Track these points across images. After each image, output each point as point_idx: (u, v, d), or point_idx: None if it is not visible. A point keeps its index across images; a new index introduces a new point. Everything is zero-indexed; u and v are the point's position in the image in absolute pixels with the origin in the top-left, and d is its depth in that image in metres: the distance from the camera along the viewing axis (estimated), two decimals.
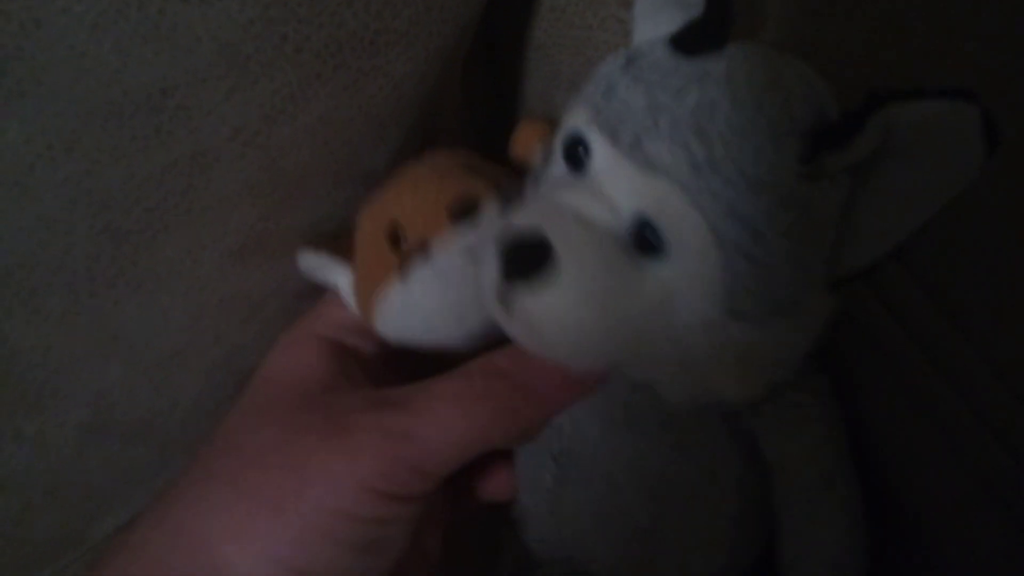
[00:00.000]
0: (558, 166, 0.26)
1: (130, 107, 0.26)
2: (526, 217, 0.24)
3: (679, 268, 0.23)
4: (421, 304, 0.27)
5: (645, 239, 0.23)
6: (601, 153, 0.24)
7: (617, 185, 0.23)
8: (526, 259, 0.23)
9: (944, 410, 0.28)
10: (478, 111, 0.47)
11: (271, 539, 0.25)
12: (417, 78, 0.31)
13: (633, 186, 0.23)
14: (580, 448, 0.30)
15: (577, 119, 0.25)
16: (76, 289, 0.29)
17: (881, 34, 0.28)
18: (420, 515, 0.27)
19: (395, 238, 0.28)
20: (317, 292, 0.34)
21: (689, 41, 0.24)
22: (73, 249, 0.28)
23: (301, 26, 0.27)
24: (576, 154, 0.25)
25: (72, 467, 0.35)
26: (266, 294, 0.34)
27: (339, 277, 0.31)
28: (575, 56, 0.37)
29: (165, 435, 0.36)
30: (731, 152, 0.22)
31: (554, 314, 0.23)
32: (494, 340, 0.28)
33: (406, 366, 0.31)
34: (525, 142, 0.32)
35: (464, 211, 0.26)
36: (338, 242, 0.31)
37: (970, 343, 0.28)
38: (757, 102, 0.22)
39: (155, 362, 0.33)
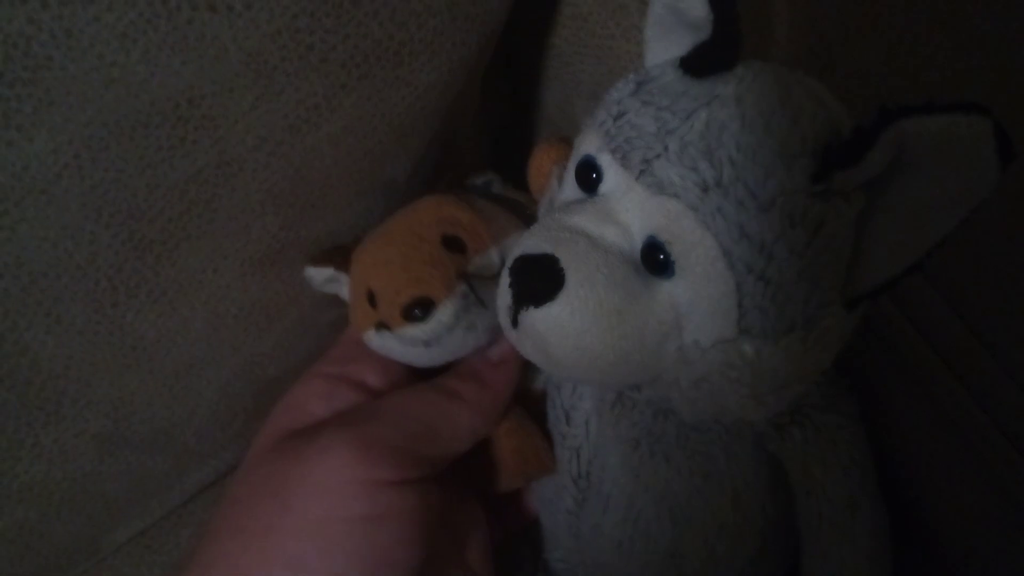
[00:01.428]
0: (571, 189, 0.26)
1: (157, 116, 0.25)
2: (537, 240, 0.24)
3: (690, 287, 0.23)
4: (392, 352, 0.30)
5: (656, 259, 0.23)
6: (613, 177, 0.24)
7: (628, 207, 0.24)
8: (536, 280, 0.24)
9: (969, 425, 0.28)
10: (496, 119, 0.47)
11: (264, 568, 0.25)
12: (441, 88, 0.31)
13: (644, 208, 0.23)
14: (600, 472, 0.30)
15: (589, 145, 0.25)
16: (99, 299, 0.28)
17: (897, 50, 0.27)
18: (426, 517, 0.27)
19: (372, 300, 0.30)
20: (335, 303, 0.34)
21: (698, 63, 0.24)
22: (97, 258, 0.27)
23: (327, 36, 0.27)
24: (589, 179, 0.25)
25: (89, 477, 0.35)
26: (284, 304, 0.34)
27: (342, 288, 0.32)
28: (597, 65, 0.37)
29: (182, 445, 0.36)
30: (741, 173, 0.22)
31: (557, 327, 0.23)
32: None
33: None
34: (540, 168, 0.32)
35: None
36: (340, 254, 0.32)
37: (995, 359, 0.27)
38: (766, 122, 0.22)
39: (173, 372, 0.32)
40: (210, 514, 0.34)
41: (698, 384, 0.24)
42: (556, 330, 0.24)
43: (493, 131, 0.47)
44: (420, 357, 0.30)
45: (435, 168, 0.36)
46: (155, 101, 0.25)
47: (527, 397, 0.34)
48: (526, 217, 0.32)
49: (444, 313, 0.29)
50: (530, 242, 0.25)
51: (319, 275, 0.33)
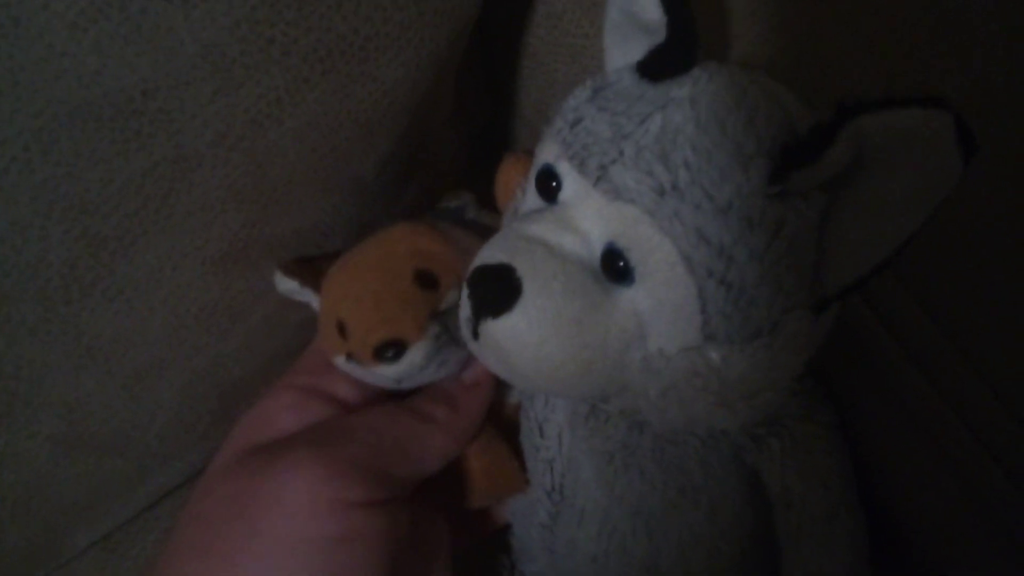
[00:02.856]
0: (533, 199, 0.26)
1: (110, 109, 0.25)
2: (494, 251, 0.24)
3: (651, 294, 0.23)
4: (365, 379, 0.30)
5: (615, 266, 0.23)
6: (571, 185, 0.24)
7: (586, 215, 0.23)
8: (493, 291, 0.23)
9: (941, 431, 0.28)
10: (475, 121, 0.46)
11: None
12: (408, 85, 0.31)
13: (601, 215, 0.23)
14: (574, 485, 0.30)
15: (547, 153, 0.25)
16: (50, 297, 0.27)
17: (859, 46, 0.27)
18: (395, 539, 0.27)
19: (343, 330, 0.29)
20: (303, 304, 0.33)
21: (653, 66, 0.24)
22: (48, 255, 0.27)
23: (288, 29, 0.26)
24: (548, 187, 0.25)
25: (45, 480, 0.34)
26: (248, 304, 0.33)
27: (312, 300, 0.32)
28: (571, 64, 0.36)
29: (143, 448, 0.35)
30: (696, 176, 0.21)
31: (516, 337, 0.23)
32: None
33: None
34: (507, 183, 0.31)
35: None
36: (309, 270, 0.32)
37: (969, 363, 0.27)
38: (721, 124, 0.22)
39: (132, 373, 0.32)
40: (174, 522, 0.34)
41: (666, 394, 0.24)
42: (515, 341, 0.23)
43: (472, 133, 0.47)
44: (391, 386, 0.30)
45: (407, 167, 0.36)
46: (107, 93, 0.24)
47: (500, 412, 0.33)
48: None
49: (416, 354, 0.28)
50: (487, 252, 0.24)
51: (284, 285, 0.32)
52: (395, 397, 0.31)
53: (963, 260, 0.27)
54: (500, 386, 0.33)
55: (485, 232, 0.32)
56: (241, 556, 0.24)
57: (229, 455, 0.28)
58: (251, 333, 0.34)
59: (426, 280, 0.29)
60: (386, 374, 0.29)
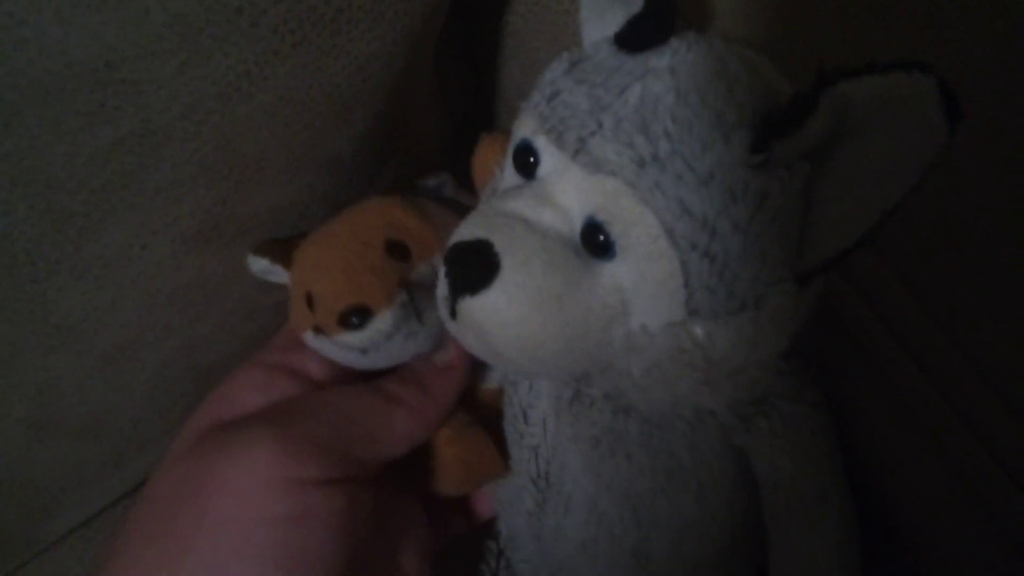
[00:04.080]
0: (511, 176, 0.25)
1: (74, 81, 0.24)
2: (472, 227, 0.24)
3: (634, 268, 0.22)
4: (334, 355, 0.30)
5: (596, 240, 0.22)
6: (549, 159, 0.23)
7: (566, 189, 0.23)
8: (471, 267, 0.23)
9: (930, 414, 0.27)
10: (456, 101, 0.46)
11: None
12: (383, 60, 0.30)
13: (581, 189, 0.22)
14: (560, 472, 0.29)
15: (525, 128, 0.24)
16: (17, 274, 0.27)
17: (840, 20, 0.27)
18: (354, 519, 0.26)
19: (311, 302, 0.29)
20: (280, 285, 0.33)
21: (631, 37, 0.23)
22: (13, 232, 0.26)
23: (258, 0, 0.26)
24: (526, 162, 0.24)
25: (18, 464, 0.33)
26: (222, 284, 0.32)
27: (285, 279, 0.31)
28: (552, 43, 0.36)
29: (118, 432, 0.35)
30: (677, 147, 0.21)
31: (495, 314, 0.23)
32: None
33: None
34: (484, 163, 0.31)
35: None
36: (280, 247, 0.31)
37: (957, 347, 0.27)
38: (701, 94, 0.21)
39: (103, 355, 0.31)
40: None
41: (650, 372, 0.23)
42: (494, 318, 0.23)
43: (455, 114, 0.46)
44: (359, 361, 0.30)
45: (385, 145, 0.35)
46: (71, 64, 0.24)
47: (477, 399, 0.33)
48: None
49: (382, 322, 0.28)
50: (465, 229, 0.24)
51: (256, 264, 0.32)
52: (368, 378, 0.30)
53: (951, 243, 0.26)
54: (475, 372, 0.32)
55: (463, 210, 0.32)
56: (194, 538, 0.24)
57: (190, 434, 0.27)
58: (226, 315, 0.34)
59: (397, 251, 0.29)
60: (351, 342, 0.28)
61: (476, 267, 0.23)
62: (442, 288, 0.24)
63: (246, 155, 0.29)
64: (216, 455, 0.25)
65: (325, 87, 0.29)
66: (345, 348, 0.29)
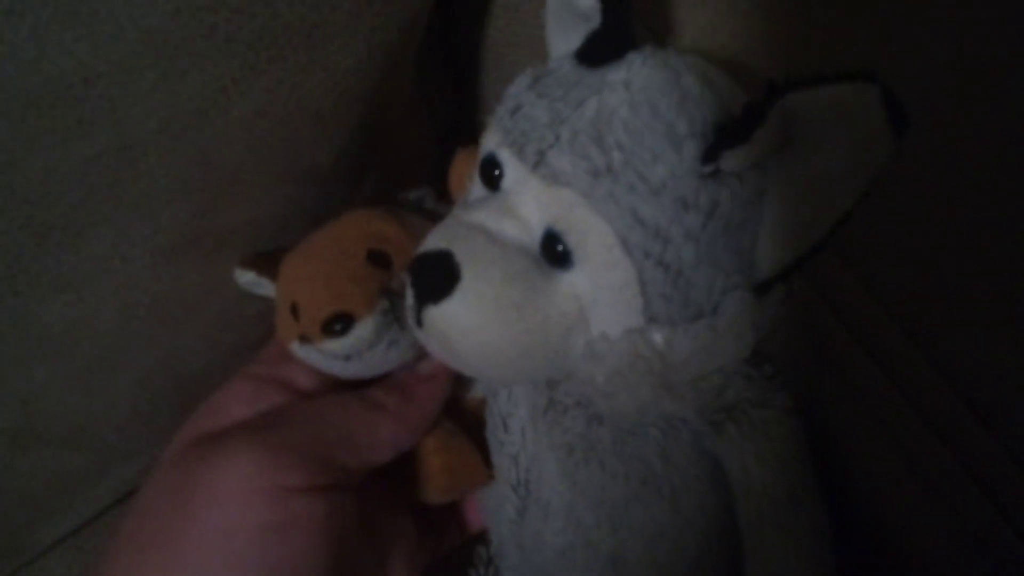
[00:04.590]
0: (478, 188, 0.26)
1: (50, 97, 0.25)
2: (435, 239, 0.24)
3: (591, 277, 0.23)
4: (314, 362, 0.30)
5: (554, 251, 0.23)
6: (512, 172, 0.24)
7: (526, 201, 0.24)
8: (433, 277, 0.23)
9: (896, 420, 0.27)
10: (439, 113, 0.46)
11: None
12: (360, 73, 0.31)
13: (540, 200, 0.23)
14: (539, 479, 0.30)
15: (490, 141, 0.25)
16: None
17: (809, 31, 0.27)
18: (338, 526, 0.26)
19: (296, 312, 0.29)
20: (260, 297, 0.33)
21: (591, 52, 0.24)
22: None
23: (232, 16, 0.26)
24: (491, 175, 0.25)
25: (2, 474, 0.34)
26: (203, 295, 0.33)
27: (271, 291, 0.32)
28: (530, 56, 0.36)
29: (102, 441, 0.35)
30: (630, 157, 0.22)
31: (456, 323, 0.23)
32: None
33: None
34: (459, 173, 0.32)
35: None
36: (267, 260, 0.32)
37: (922, 352, 0.27)
38: (653, 106, 0.22)
39: (85, 365, 0.31)
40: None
41: (612, 379, 0.24)
42: (455, 326, 0.23)
43: (438, 126, 0.46)
44: (344, 371, 0.30)
45: (365, 158, 0.35)
46: (47, 81, 0.24)
47: (461, 408, 0.33)
48: None
49: (364, 329, 0.28)
50: (429, 240, 0.24)
51: (243, 277, 0.33)
52: (355, 388, 0.31)
53: (916, 249, 0.27)
54: (460, 381, 0.32)
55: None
56: (179, 548, 0.24)
57: (178, 445, 0.28)
58: (207, 326, 0.34)
59: (379, 260, 0.29)
60: (334, 349, 0.29)
61: (437, 277, 0.23)
62: (408, 297, 0.25)
63: (223, 168, 0.29)
64: (201, 465, 0.26)
65: (302, 101, 0.29)
66: (330, 356, 0.29)
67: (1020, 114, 0.23)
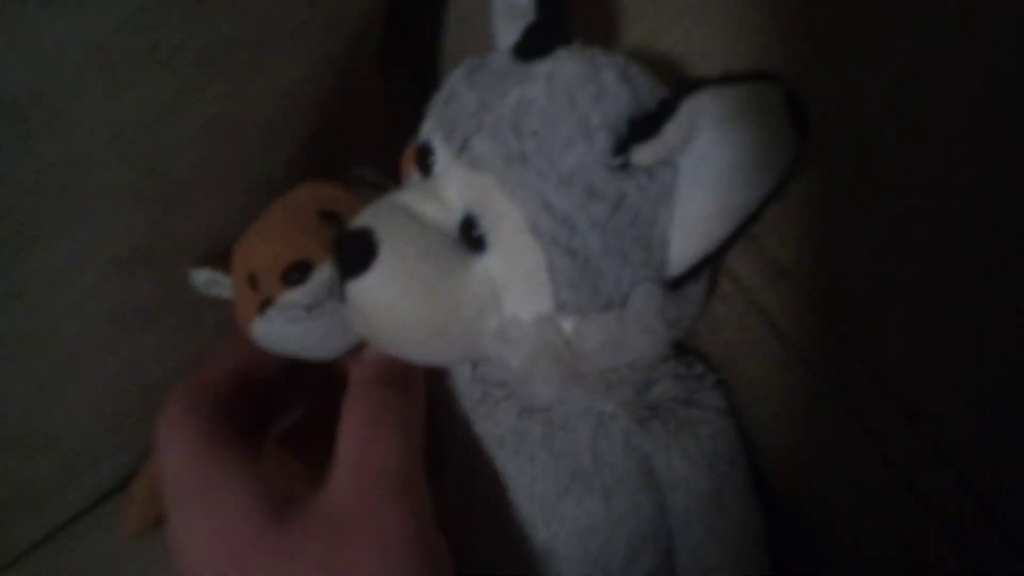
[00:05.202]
0: (416, 174, 0.27)
1: None
2: (361, 217, 0.25)
3: (503, 261, 0.24)
4: (280, 337, 0.30)
5: (470, 234, 0.24)
6: (441, 157, 0.25)
7: (450, 184, 0.25)
8: (353, 252, 0.24)
9: (823, 418, 0.28)
10: (406, 121, 0.47)
11: None
12: (309, 84, 0.31)
13: (461, 184, 0.24)
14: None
15: (426, 128, 0.26)
16: None
17: (748, 38, 0.28)
18: None
19: (254, 282, 0.30)
20: (221, 303, 0.34)
21: (524, 47, 0.25)
22: None
23: (174, 32, 0.27)
24: (425, 160, 0.26)
25: None
26: (160, 304, 0.34)
27: (224, 291, 0.32)
28: None
29: (67, 448, 0.36)
30: (542, 145, 0.22)
31: (372, 297, 0.24)
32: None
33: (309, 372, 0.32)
34: (407, 166, 0.32)
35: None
36: (220, 256, 0.32)
37: (848, 349, 0.27)
38: (570, 97, 0.23)
39: (45, 373, 0.32)
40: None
41: (524, 364, 0.25)
42: (371, 301, 0.24)
43: (404, 136, 0.47)
44: (307, 337, 0.30)
45: (321, 166, 0.36)
46: None
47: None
48: None
49: (323, 274, 0.29)
50: (356, 219, 0.25)
51: (199, 277, 0.33)
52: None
53: (840, 247, 0.27)
54: None
55: (387, 190, 0.33)
56: None
57: None
58: (168, 333, 0.35)
59: (331, 218, 0.30)
60: (297, 299, 0.29)
61: (357, 252, 0.24)
62: (334, 273, 0.26)
63: (174, 179, 0.30)
64: None
65: (250, 113, 0.30)
66: (293, 315, 0.29)
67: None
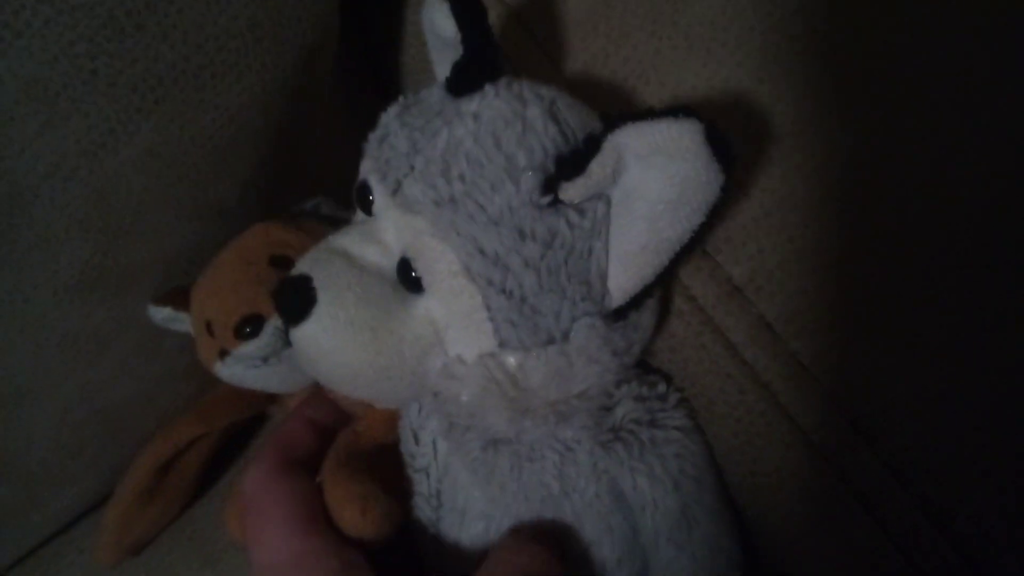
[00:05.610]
0: (359, 213, 0.27)
1: None
2: (301, 264, 0.25)
3: (441, 302, 0.24)
4: (244, 379, 0.31)
5: (408, 276, 0.24)
6: (378, 198, 0.25)
7: (387, 227, 0.24)
8: (292, 301, 0.24)
9: (781, 436, 0.28)
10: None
11: None
12: (256, 109, 0.31)
13: (398, 227, 0.24)
14: (452, 488, 0.30)
15: (363, 168, 0.26)
16: None
17: (698, 58, 0.27)
18: None
19: (211, 330, 0.31)
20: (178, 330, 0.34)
21: (452, 82, 0.24)
22: None
23: (112, 60, 0.27)
24: (364, 200, 0.26)
25: None
26: (115, 330, 0.33)
27: (184, 327, 0.33)
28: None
29: (26, 475, 0.36)
30: (470, 188, 0.22)
31: (314, 342, 0.24)
32: None
33: None
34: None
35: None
36: (179, 294, 0.33)
37: (802, 368, 0.27)
38: (495, 138, 0.23)
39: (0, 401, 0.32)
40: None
41: (473, 400, 0.25)
42: (314, 347, 0.24)
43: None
44: (270, 379, 0.31)
45: (274, 190, 0.36)
46: None
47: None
48: None
49: (274, 325, 0.30)
50: (297, 265, 0.25)
51: (158, 314, 0.33)
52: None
53: (787, 254, 0.27)
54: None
55: (340, 224, 0.33)
56: None
57: None
58: (124, 358, 0.35)
59: (282, 263, 0.30)
60: (251, 352, 0.30)
61: (296, 300, 0.24)
62: (279, 319, 0.26)
63: (120, 207, 0.30)
64: None
65: (196, 139, 0.30)
66: (250, 363, 0.30)
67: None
